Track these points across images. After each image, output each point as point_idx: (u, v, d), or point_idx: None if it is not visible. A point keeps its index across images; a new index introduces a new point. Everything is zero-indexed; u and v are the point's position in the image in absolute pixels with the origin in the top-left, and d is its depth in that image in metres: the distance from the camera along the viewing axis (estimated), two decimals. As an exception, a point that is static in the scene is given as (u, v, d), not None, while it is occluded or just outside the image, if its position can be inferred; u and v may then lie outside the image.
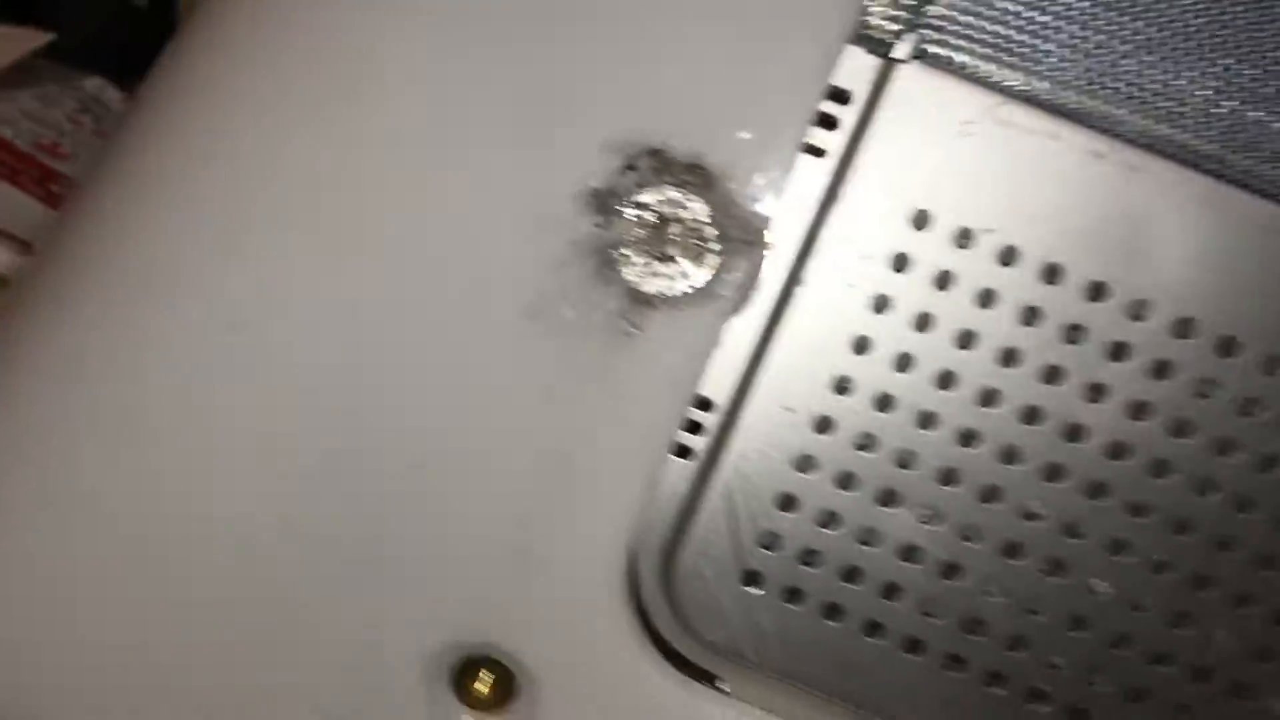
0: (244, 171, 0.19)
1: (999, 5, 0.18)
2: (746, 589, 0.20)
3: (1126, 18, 0.18)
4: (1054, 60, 0.18)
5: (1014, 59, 0.18)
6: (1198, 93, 0.17)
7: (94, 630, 0.19)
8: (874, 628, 0.20)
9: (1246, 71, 0.17)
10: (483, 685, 0.20)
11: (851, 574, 0.20)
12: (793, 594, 0.20)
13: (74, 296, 0.20)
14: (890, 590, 0.20)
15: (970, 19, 0.18)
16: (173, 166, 0.20)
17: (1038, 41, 0.18)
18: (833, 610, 0.20)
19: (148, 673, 0.19)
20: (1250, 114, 0.17)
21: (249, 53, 0.19)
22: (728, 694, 0.21)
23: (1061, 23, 0.18)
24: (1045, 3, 0.18)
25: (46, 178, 0.42)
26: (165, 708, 0.19)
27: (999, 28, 0.18)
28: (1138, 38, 0.18)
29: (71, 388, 0.19)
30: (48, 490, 0.19)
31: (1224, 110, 0.18)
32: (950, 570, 0.19)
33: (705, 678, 0.20)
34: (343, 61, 0.18)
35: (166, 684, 0.19)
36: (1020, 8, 0.18)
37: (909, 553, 0.20)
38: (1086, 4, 0.18)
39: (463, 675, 0.20)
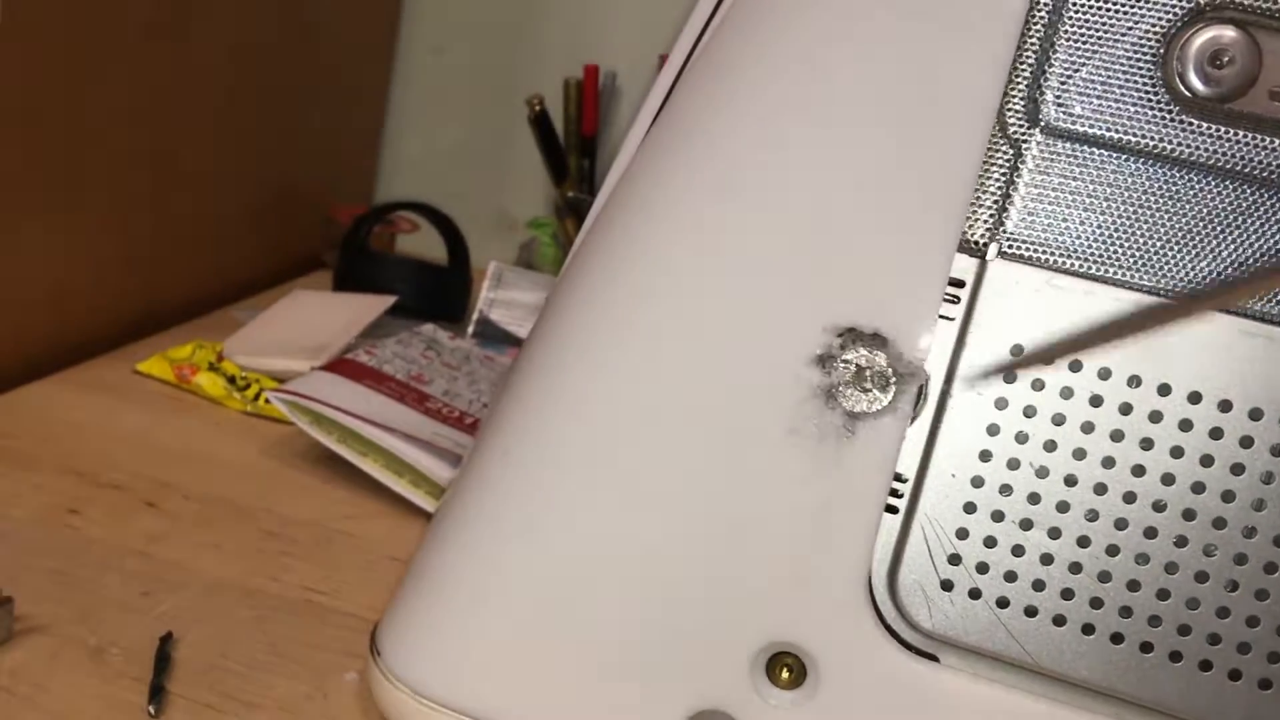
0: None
1: (1046, 221, 0.30)
2: (944, 592, 0.31)
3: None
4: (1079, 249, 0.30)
5: (1065, 255, 0.30)
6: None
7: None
8: (1032, 611, 0.31)
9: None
10: (785, 671, 0.33)
11: (1011, 576, 0.31)
12: (974, 593, 0.31)
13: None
14: (1039, 585, 0.31)
15: (1029, 231, 0.30)
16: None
17: (1067, 236, 0.30)
18: (1002, 602, 0.31)
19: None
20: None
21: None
22: (943, 665, 0.32)
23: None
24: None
25: (422, 399, 0.58)
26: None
27: (1049, 234, 0.30)
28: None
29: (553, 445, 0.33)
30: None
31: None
32: (1076, 567, 0.30)
33: (926, 656, 0.32)
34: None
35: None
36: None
37: (1049, 559, 0.31)
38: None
39: (771, 665, 0.33)
